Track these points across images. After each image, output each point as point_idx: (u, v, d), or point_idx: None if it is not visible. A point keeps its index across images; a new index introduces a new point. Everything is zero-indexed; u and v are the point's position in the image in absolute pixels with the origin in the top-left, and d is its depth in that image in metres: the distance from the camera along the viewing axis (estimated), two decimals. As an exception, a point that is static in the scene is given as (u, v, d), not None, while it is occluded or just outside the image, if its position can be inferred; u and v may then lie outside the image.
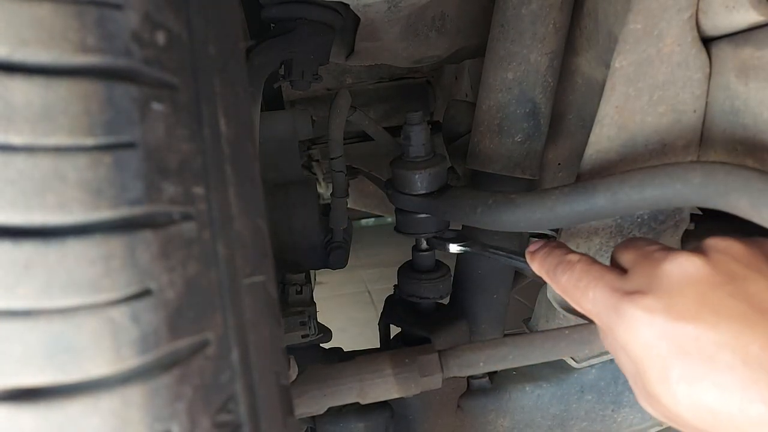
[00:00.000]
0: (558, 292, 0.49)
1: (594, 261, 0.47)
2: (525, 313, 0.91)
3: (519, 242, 0.87)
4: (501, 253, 0.67)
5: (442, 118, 0.96)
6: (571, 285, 0.47)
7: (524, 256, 0.57)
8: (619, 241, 0.72)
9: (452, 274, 0.87)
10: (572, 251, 0.50)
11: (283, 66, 0.81)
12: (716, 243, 0.41)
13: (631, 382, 0.43)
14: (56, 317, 0.27)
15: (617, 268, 0.46)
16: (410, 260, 0.85)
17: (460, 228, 0.84)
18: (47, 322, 0.27)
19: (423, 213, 0.79)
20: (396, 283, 0.88)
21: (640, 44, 0.61)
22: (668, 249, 0.42)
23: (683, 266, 0.40)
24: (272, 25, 0.82)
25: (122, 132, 0.29)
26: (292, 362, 0.68)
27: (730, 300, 0.37)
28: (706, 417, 0.35)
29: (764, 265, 0.39)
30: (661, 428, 0.89)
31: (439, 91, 1.62)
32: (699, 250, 0.41)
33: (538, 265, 0.52)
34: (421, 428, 0.83)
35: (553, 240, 0.52)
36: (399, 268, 0.86)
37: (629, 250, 0.46)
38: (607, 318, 0.43)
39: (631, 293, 0.41)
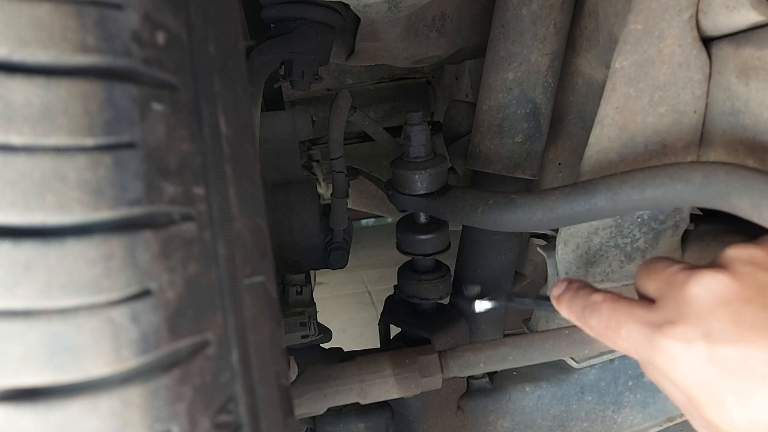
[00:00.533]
0: (592, 335, 0.48)
1: (619, 297, 0.46)
2: (525, 313, 0.91)
3: (519, 243, 0.87)
4: (527, 300, 0.67)
5: (443, 119, 0.96)
6: (602, 327, 0.46)
7: (547, 300, 0.57)
8: (619, 241, 0.72)
9: (452, 275, 0.87)
10: (596, 290, 0.48)
11: (283, 66, 0.81)
12: (737, 254, 0.40)
13: (683, 410, 0.42)
14: (56, 317, 0.27)
15: (644, 298, 0.45)
16: (410, 261, 0.85)
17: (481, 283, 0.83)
18: (47, 323, 0.27)
19: (423, 213, 0.79)
20: (396, 283, 0.88)
21: (640, 45, 0.61)
22: (690, 269, 0.41)
23: (710, 287, 0.39)
24: (272, 25, 0.82)
25: (122, 132, 0.28)
26: (292, 362, 0.68)
27: (765, 313, 0.36)
28: None
29: None
30: (661, 429, 0.89)
31: (440, 92, 1.62)
32: (721, 266, 0.40)
33: (566, 311, 0.51)
34: (421, 429, 0.83)
35: (576, 280, 0.52)
36: (399, 268, 0.86)
37: (652, 278, 0.44)
38: (645, 353, 0.42)
39: (661, 325, 0.40)
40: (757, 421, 0.35)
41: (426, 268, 0.83)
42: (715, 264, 0.41)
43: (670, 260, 0.44)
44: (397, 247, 0.83)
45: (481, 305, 0.75)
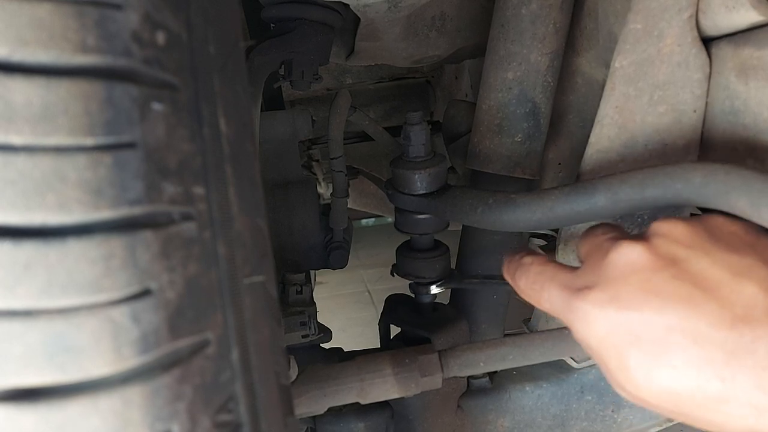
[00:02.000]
0: (522, 296, 0.50)
1: (547, 260, 0.48)
2: (525, 313, 0.91)
3: (519, 242, 0.87)
4: (474, 281, 0.69)
5: (442, 118, 0.96)
6: (528, 287, 0.48)
7: (494, 278, 0.58)
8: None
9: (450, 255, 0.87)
10: (532, 253, 0.50)
11: (283, 66, 0.81)
12: (659, 227, 0.42)
13: (604, 372, 0.44)
14: (56, 317, 0.27)
15: (579, 261, 0.47)
16: (408, 240, 0.84)
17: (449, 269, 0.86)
18: (47, 322, 0.27)
19: (423, 213, 0.79)
20: (396, 283, 0.87)
21: (640, 44, 0.61)
22: (618, 237, 0.43)
23: (626, 255, 0.40)
24: (272, 25, 0.82)
25: (122, 132, 0.29)
26: (292, 362, 0.68)
27: (674, 282, 0.37)
28: (669, 398, 0.36)
29: (707, 242, 0.39)
30: (661, 428, 0.89)
31: (439, 91, 1.62)
32: (643, 236, 0.42)
33: (505, 273, 0.53)
34: (421, 428, 0.83)
35: (524, 250, 0.53)
36: (397, 248, 0.85)
37: (585, 241, 0.46)
38: (563, 316, 0.44)
39: (580, 289, 0.42)
40: (659, 387, 0.36)
41: (424, 246, 0.83)
42: (638, 235, 0.42)
43: (609, 226, 0.46)
44: (395, 226, 0.82)
45: (435, 290, 0.82)
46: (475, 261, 0.85)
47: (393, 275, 0.86)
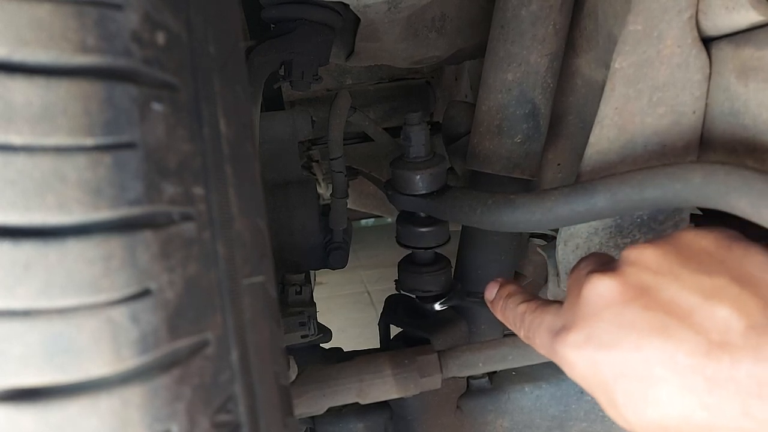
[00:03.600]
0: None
1: (537, 306, 0.47)
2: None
3: (519, 242, 0.87)
4: (476, 300, 0.69)
5: (442, 119, 0.96)
6: (527, 338, 0.48)
7: None
8: (619, 241, 0.72)
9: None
10: (523, 297, 0.50)
11: (283, 66, 0.81)
12: (628, 254, 0.41)
13: None
14: (56, 317, 0.27)
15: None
16: (410, 254, 0.85)
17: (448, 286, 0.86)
18: (47, 323, 0.27)
19: (423, 213, 0.79)
20: (396, 290, 0.87)
21: (640, 45, 0.61)
22: (593, 270, 0.42)
23: (596, 289, 0.40)
24: (272, 25, 0.82)
25: (122, 132, 0.29)
26: (292, 362, 0.68)
27: (646, 313, 0.37)
28: (660, 431, 0.36)
29: (676, 265, 0.38)
30: (661, 429, 0.89)
31: (439, 92, 1.62)
32: (613, 267, 0.41)
33: (501, 319, 0.53)
34: (420, 429, 0.83)
35: (507, 283, 0.53)
36: (399, 262, 0.85)
37: (570, 275, 0.46)
38: (555, 360, 0.43)
39: (559, 332, 0.42)
40: (648, 421, 0.36)
41: (426, 261, 0.83)
42: (610, 266, 0.42)
43: (594, 257, 0.45)
44: (396, 240, 0.83)
45: (439, 307, 0.82)
46: (475, 262, 0.85)
47: (397, 290, 0.87)
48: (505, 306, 0.51)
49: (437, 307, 0.83)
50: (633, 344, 0.36)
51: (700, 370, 0.34)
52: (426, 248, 0.81)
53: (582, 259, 0.46)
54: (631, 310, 0.37)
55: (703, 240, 0.39)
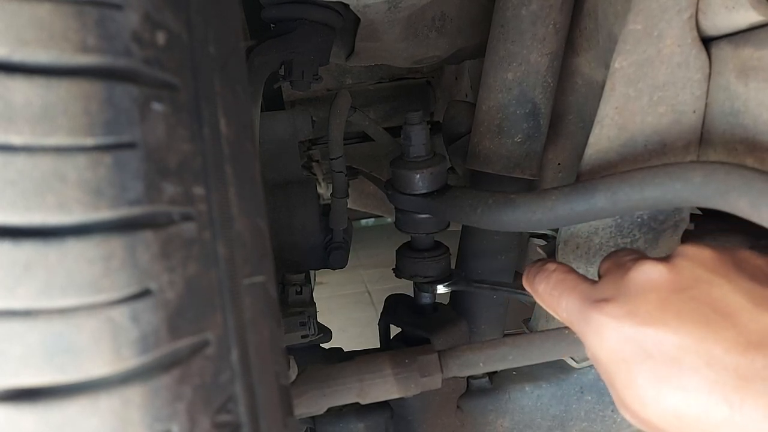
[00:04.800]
0: (537, 301, 0.50)
1: (570, 270, 0.48)
2: (525, 313, 0.91)
3: (519, 242, 0.87)
4: (485, 285, 0.68)
5: (442, 119, 0.96)
6: (546, 294, 0.48)
7: (505, 286, 0.58)
8: (619, 241, 0.72)
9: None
10: (554, 261, 0.50)
11: (283, 66, 0.81)
12: (685, 249, 0.41)
13: (609, 390, 0.43)
14: (56, 317, 0.27)
15: (599, 277, 0.46)
16: (408, 241, 0.84)
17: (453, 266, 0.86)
18: (47, 323, 0.27)
19: (423, 213, 0.79)
20: (396, 284, 0.87)
21: (640, 45, 0.61)
22: (641, 258, 0.43)
23: (647, 272, 0.40)
24: (272, 25, 0.82)
25: (122, 132, 0.29)
26: (292, 362, 0.68)
27: (693, 303, 0.37)
28: (673, 421, 0.36)
29: (732, 271, 0.39)
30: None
31: (440, 92, 1.62)
32: (668, 257, 0.41)
33: (524, 278, 0.53)
34: (420, 428, 0.83)
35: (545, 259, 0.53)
36: (397, 249, 0.85)
37: (607, 260, 0.46)
38: (578, 326, 0.43)
39: (598, 301, 0.41)
40: (665, 407, 0.36)
41: (426, 246, 0.83)
42: (664, 256, 0.42)
43: (633, 251, 0.46)
44: (395, 225, 0.82)
45: (442, 289, 0.81)
46: (475, 261, 0.85)
47: (397, 276, 0.86)
48: (533, 265, 0.51)
49: (440, 289, 0.80)
50: (671, 327, 0.36)
51: (732, 366, 0.34)
52: (426, 233, 0.81)
53: (617, 251, 0.47)
54: (679, 297, 0.38)
55: (759, 259, 0.40)
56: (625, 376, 0.38)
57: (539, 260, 0.52)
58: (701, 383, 0.34)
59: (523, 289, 0.54)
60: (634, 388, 0.37)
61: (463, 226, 0.86)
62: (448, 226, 0.82)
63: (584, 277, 0.46)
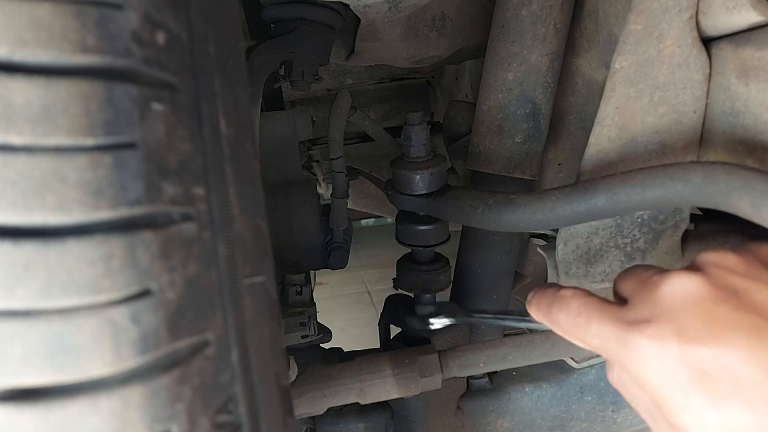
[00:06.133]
0: (557, 331, 0.47)
1: (590, 293, 0.45)
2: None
3: (519, 243, 0.87)
4: (486, 316, 0.67)
5: (443, 119, 0.96)
6: (570, 323, 0.44)
7: (510, 314, 0.56)
8: (619, 241, 0.72)
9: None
10: (564, 287, 0.47)
11: (283, 66, 0.81)
12: (709, 258, 0.40)
13: (645, 417, 0.41)
14: (56, 318, 0.27)
15: (618, 299, 0.44)
16: (409, 253, 0.84)
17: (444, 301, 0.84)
18: (47, 323, 0.27)
19: (423, 213, 0.79)
20: (395, 288, 0.87)
21: (640, 45, 0.61)
22: (664, 271, 0.41)
23: (682, 286, 0.38)
24: (272, 25, 0.82)
25: (122, 132, 0.28)
26: (292, 362, 0.68)
27: (738, 313, 0.35)
28: None
29: (763, 272, 0.37)
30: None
31: (440, 92, 1.62)
32: (693, 268, 0.40)
33: (534, 309, 0.49)
34: (420, 429, 0.83)
35: (544, 283, 0.50)
36: (398, 260, 0.85)
37: (626, 279, 0.44)
38: (615, 352, 0.40)
39: (635, 323, 0.39)
40: (730, 426, 0.34)
41: (426, 259, 0.83)
42: (688, 267, 0.40)
43: (648, 266, 0.44)
44: (396, 238, 0.82)
45: (439, 322, 0.76)
46: (476, 261, 0.85)
47: (395, 288, 0.85)
48: (542, 293, 0.48)
49: (436, 324, 0.77)
50: (723, 342, 0.35)
51: None
52: (425, 246, 0.81)
53: (631, 267, 0.44)
54: (723, 308, 0.36)
55: None
56: (682, 399, 0.36)
57: (542, 288, 0.49)
58: (767, 396, 0.33)
59: (528, 316, 0.51)
60: (693, 411, 0.35)
61: (463, 226, 0.86)
62: (449, 239, 0.82)
63: (607, 300, 0.43)
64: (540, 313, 0.48)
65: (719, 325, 0.35)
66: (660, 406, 0.37)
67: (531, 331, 0.88)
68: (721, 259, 0.39)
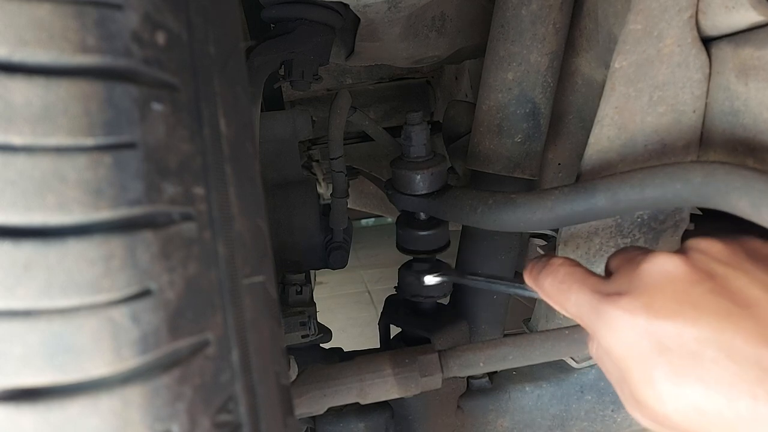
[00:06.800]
0: (543, 297, 0.49)
1: (578, 264, 0.47)
2: (525, 313, 0.91)
3: (519, 242, 0.87)
4: (479, 278, 0.67)
5: (442, 119, 0.96)
6: (554, 289, 0.46)
7: (503, 279, 0.57)
8: (620, 241, 0.72)
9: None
10: (559, 256, 0.49)
11: (283, 66, 0.81)
12: (696, 243, 0.41)
13: (617, 390, 0.42)
14: (56, 317, 0.27)
15: (606, 274, 0.46)
16: (410, 260, 0.84)
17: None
18: (47, 323, 0.27)
19: (423, 213, 0.79)
20: (396, 283, 0.87)
21: (640, 45, 0.61)
22: (650, 252, 0.42)
23: (662, 265, 0.39)
24: (272, 25, 0.82)
25: (122, 132, 0.29)
26: (292, 362, 0.68)
27: (711, 296, 0.36)
28: (694, 416, 0.35)
29: (746, 262, 0.38)
30: (661, 428, 0.89)
31: (440, 92, 1.62)
32: (679, 251, 0.41)
33: (527, 274, 0.52)
34: (420, 428, 0.83)
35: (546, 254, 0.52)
36: (399, 268, 0.85)
37: (616, 256, 0.46)
38: (588, 320, 0.42)
39: (611, 295, 0.40)
40: (686, 402, 0.35)
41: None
42: (675, 251, 0.41)
43: (642, 247, 0.45)
44: (396, 245, 0.82)
45: (430, 279, 0.79)
46: (475, 262, 0.85)
47: (398, 294, 0.86)
48: (537, 261, 0.50)
49: (428, 280, 0.78)
50: (690, 320, 0.36)
51: (755, 359, 0.33)
52: (426, 252, 0.81)
53: (625, 248, 0.46)
54: (696, 290, 0.37)
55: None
56: (642, 370, 0.37)
57: (542, 255, 0.51)
58: (723, 375, 0.34)
59: (521, 283, 0.53)
60: (651, 383, 0.36)
61: (463, 226, 0.86)
62: (449, 245, 0.82)
63: (593, 272, 0.45)
64: (531, 277, 0.51)
65: (689, 305, 0.36)
66: (625, 377, 0.39)
67: (528, 329, 0.88)
68: (706, 245, 0.40)
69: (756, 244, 0.41)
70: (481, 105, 0.77)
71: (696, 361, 0.35)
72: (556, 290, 0.46)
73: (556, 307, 0.47)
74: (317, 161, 1.45)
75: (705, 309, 0.36)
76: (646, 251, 0.43)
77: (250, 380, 0.36)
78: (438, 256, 0.83)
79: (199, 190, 0.33)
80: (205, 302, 0.33)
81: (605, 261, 0.49)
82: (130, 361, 0.29)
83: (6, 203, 0.26)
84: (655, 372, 0.36)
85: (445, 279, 0.79)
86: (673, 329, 0.36)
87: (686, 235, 0.73)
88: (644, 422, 0.40)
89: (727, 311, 0.35)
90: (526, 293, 0.58)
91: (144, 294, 0.29)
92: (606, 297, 0.41)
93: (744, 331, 0.34)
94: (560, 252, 0.74)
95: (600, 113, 0.65)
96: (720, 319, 0.35)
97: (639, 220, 0.71)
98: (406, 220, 0.81)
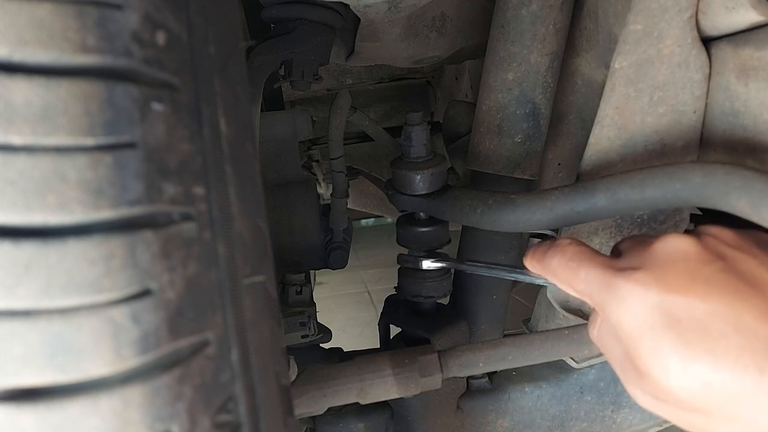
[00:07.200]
0: (549, 278, 0.49)
1: (585, 244, 0.47)
2: (525, 313, 0.91)
3: (519, 242, 0.87)
4: (479, 264, 0.68)
5: (443, 119, 0.96)
6: (562, 266, 0.47)
7: (502, 266, 0.57)
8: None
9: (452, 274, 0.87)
10: (565, 237, 0.50)
11: (283, 66, 0.81)
12: (707, 228, 0.42)
13: (617, 369, 0.42)
14: (56, 317, 0.27)
15: (614, 255, 0.47)
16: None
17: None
18: (47, 323, 0.27)
19: (423, 213, 0.79)
20: (395, 284, 0.87)
21: (640, 45, 0.61)
22: (663, 235, 0.43)
23: (675, 243, 0.40)
24: (272, 25, 0.82)
25: (122, 132, 0.29)
26: (292, 362, 0.68)
27: (722, 274, 0.37)
28: (698, 390, 0.35)
29: (755, 249, 0.39)
30: (661, 428, 0.89)
31: (440, 92, 1.62)
32: (691, 233, 0.42)
33: (529, 259, 0.52)
34: (420, 429, 0.83)
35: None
36: (399, 268, 0.86)
37: (625, 240, 0.47)
38: (599, 296, 0.42)
39: (623, 269, 0.41)
40: (692, 374, 0.35)
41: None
42: (685, 233, 0.42)
43: (649, 234, 0.47)
44: (397, 241, 0.82)
45: (428, 264, 0.79)
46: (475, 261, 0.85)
47: (398, 294, 0.86)
48: (541, 243, 0.50)
49: (425, 264, 0.78)
50: (700, 295, 0.36)
51: (762, 334, 0.34)
52: (426, 247, 0.81)
53: (634, 235, 0.47)
54: (708, 268, 0.38)
55: None
56: (650, 343, 0.37)
57: (544, 242, 0.51)
58: (730, 349, 0.34)
59: (521, 269, 0.53)
60: (659, 355, 0.37)
61: (463, 227, 0.86)
62: (449, 242, 0.82)
63: (601, 252, 0.46)
64: (535, 260, 0.51)
65: (701, 281, 0.37)
66: (630, 352, 0.39)
67: (528, 329, 0.88)
68: (717, 231, 0.41)
69: (765, 236, 0.42)
70: (481, 105, 0.77)
71: (705, 334, 0.35)
72: (564, 268, 0.46)
73: (563, 286, 0.47)
74: (317, 161, 1.45)
75: (716, 286, 0.37)
76: (656, 236, 0.44)
77: (250, 380, 0.36)
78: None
79: (199, 190, 0.33)
80: (205, 302, 0.33)
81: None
82: (130, 360, 0.29)
83: (6, 203, 0.26)
84: (663, 344, 0.37)
85: (443, 264, 0.79)
86: (685, 303, 0.37)
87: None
88: (642, 400, 0.40)
89: (737, 289, 0.36)
90: (527, 278, 0.59)
91: (144, 294, 0.29)
92: (618, 271, 0.41)
93: (753, 308, 0.35)
94: (560, 252, 0.74)
95: (600, 113, 0.65)
96: (730, 295, 0.36)
97: (639, 220, 0.71)
98: (406, 220, 0.81)
